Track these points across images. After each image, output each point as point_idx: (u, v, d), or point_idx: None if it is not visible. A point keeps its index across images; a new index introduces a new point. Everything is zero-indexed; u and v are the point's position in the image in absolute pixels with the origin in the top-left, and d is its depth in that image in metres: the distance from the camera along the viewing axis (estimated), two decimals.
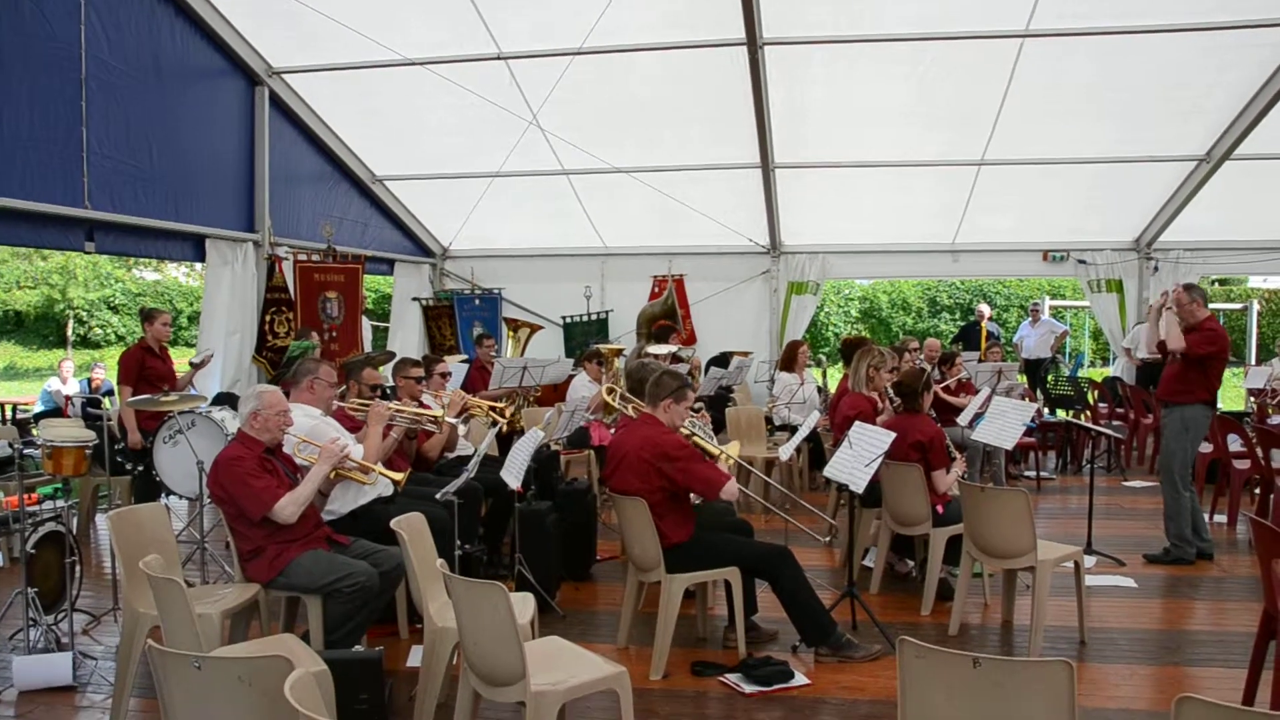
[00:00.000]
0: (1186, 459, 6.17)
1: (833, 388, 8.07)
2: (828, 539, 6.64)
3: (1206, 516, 7.15)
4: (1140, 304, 11.08)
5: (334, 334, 9.15)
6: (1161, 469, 6.36)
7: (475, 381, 8.63)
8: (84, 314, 23.81)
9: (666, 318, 11.06)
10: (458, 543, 4.72)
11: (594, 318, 11.73)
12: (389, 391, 6.06)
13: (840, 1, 7.44)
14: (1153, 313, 6.35)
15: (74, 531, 4.94)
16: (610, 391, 6.09)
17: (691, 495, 4.68)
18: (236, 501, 4.04)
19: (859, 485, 4.68)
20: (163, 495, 6.45)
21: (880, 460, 4.70)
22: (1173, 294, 6.13)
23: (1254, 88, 8.19)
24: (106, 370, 11.37)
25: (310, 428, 4.57)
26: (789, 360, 8.84)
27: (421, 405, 5.53)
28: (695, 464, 4.47)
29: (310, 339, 7.63)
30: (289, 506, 4.03)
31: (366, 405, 4.99)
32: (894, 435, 4.83)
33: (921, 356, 8.44)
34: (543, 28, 7.93)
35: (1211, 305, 6.94)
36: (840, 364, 8.27)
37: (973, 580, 5.13)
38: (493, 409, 6.14)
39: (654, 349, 8.87)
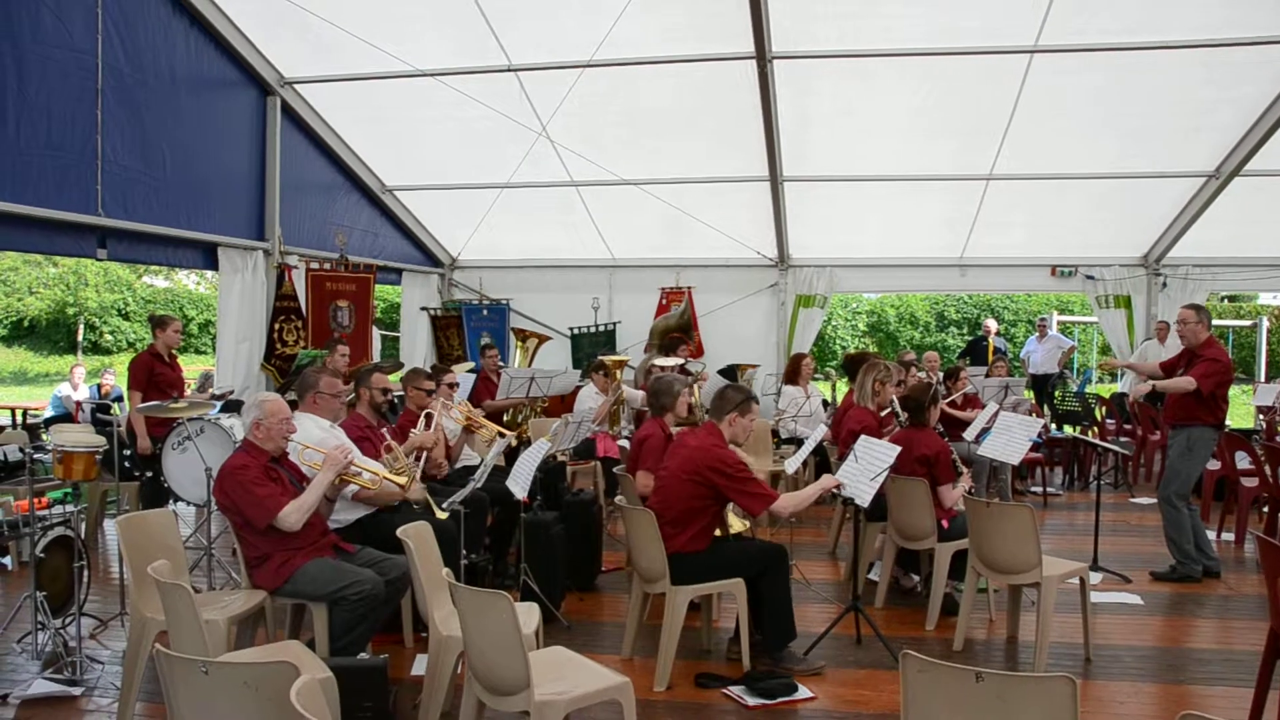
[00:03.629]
0: (1188, 479, 6.16)
1: (840, 402, 8.05)
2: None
3: (1214, 535, 7.13)
4: (1149, 320, 11.05)
5: (344, 343, 9.18)
6: (1161, 488, 6.35)
7: (481, 392, 8.65)
8: (95, 320, 23.95)
9: (681, 331, 11.05)
10: (463, 552, 4.73)
11: (602, 329, 11.74)
12: (398, 401, 6.08)
13: (849, 16, 7.46)
14: (1142, 384, 6.41)
15: (83, 536, 4.97)
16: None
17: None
18: (241, 510, 4.06)
19: (864, 499, 4.68)
20: (171, 501, 6.49)
21: (886, 474, 4.71)
22: (1179, 313, 6.13)
23: (1263, 104, 8.18)
24: (116, 376, 11.41)
25: (320, 438, 4.59)
26: (793, 373, 8.83)
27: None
28: (747, 484, 4.49)
29: (337, 350, 7.58)
30: (293, 514, 4.05)
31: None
32: (899, 449, 4.83)
33: (923, 370, 8.42)
34: (553, 40, 7.97)
35: (1221, 322, 6.97)
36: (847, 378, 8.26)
37: (978, 596, 5.12)
38: (500, 433, 6.11)
39: (661, 360, 8.87)
